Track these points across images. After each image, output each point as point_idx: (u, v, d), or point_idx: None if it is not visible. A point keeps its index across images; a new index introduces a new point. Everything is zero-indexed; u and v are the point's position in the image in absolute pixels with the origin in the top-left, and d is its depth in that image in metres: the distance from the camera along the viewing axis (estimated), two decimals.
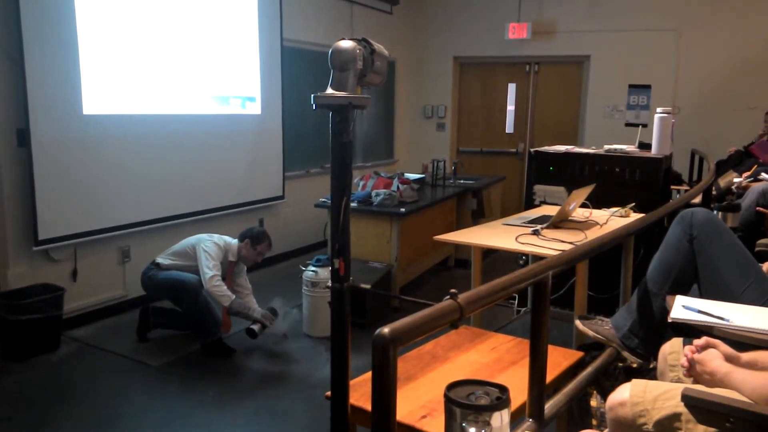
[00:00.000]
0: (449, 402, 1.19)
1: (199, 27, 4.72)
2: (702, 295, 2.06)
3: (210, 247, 3.70)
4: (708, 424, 1.31)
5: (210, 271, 3.60)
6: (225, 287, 3.63)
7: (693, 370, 1.53)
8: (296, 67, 5.76)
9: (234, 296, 3.65)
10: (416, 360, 2.16)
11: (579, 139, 7.06)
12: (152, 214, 4.42)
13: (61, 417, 2.95)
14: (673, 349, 1.78)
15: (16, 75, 3.58)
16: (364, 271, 4.27)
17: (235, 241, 3.86)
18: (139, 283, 3.90)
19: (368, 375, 1.92)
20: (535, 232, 2.87)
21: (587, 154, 4.08)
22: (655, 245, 2.37)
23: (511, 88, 7.39)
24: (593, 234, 2.84)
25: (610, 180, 3.89)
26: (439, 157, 6.08)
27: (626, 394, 1.51)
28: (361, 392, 1.89)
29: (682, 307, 1.82)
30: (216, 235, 3.85)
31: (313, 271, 3.94)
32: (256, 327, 3.66)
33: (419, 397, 1.87)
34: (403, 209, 4.46)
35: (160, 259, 3.83)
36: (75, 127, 3.87)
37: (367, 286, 4.07)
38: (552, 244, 2.67)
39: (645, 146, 4.20)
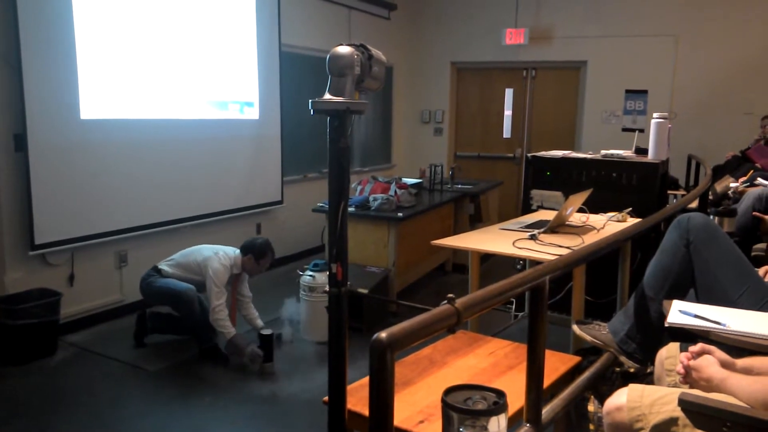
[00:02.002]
0: (446, 407, 1.19)
1: (197, 32, 4.73)
2: (699, 299, 2.06)
3: (218, 271, 3.63)
4: (705, 429, 1.31)
5: (216, 301, 3.57)
6: (228, 321, 3.59)
7: (689, 377, 1.53)
8: (294, 73, 5.77)
9: (234, 331, 3.60)
10: (414, 365, 2.16)
11: (576, 144, 7.09)
12: (150, 218, 4.42)
13: (58, 422, 2.94)
14: (669, 354, 1.78)
15: (14, 80, 3.58)
16: (362, 275, 4.26)
17: (238, 253, 3.80)
18: (137, 287, 3.89)
19: (366, 380, 1.92)
20: (533, 237, 2.88)
21: (584, 159, 4.09)
22: (652, 250, 2.38)
23: (509, 93, 7.40)
24: (590, 239, 2.84)
25: (607, 185, 3.90)
26: (437, 161, 6.09)
27: (623, 399, 1.51)
28: (358, 397, 1.89)
29: (679, 312, 1.82)
30: (221, 252, 3.76)
31: (310, 275, 3.94)
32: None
33: (417, 402, 1.87)
34: (400, 214, 4.46)
35: (163, 266, 3.79)
36: (72, 132, 3.86)
37: (365, 291, 4.07)
38: (549, 249, 2.67)
39: (642, 151, 4.21)
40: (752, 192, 3.87)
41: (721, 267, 2.05)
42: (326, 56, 1.74)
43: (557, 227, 3.07)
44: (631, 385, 1.55)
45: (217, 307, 3.57)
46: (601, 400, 1.96)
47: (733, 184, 4.46)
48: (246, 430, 2.96)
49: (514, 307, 4.21)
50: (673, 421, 1.42)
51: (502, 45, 7.10)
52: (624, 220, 3.33)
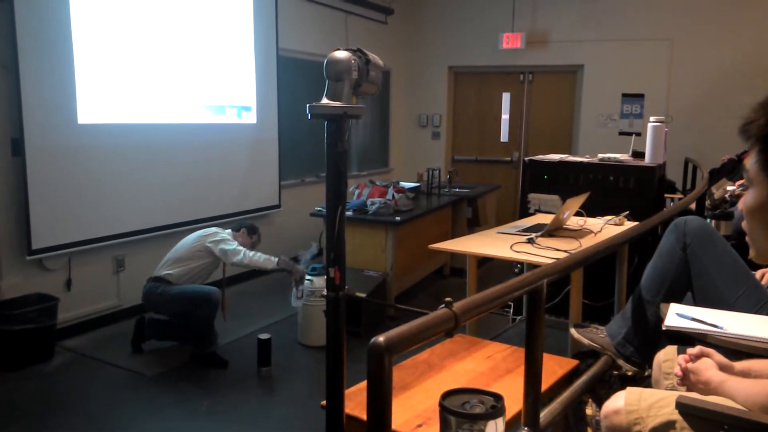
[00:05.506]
0: (444, 411, 1.19)
1: (195, 36, 4.73)
2: (696, 302, 2.06)
3: (223, 235, 3.86)
4: None
5: (241, 248, 3.77)
6: (261, 253, 3.80)
7: (687, 380, 1.53)
8: (292, 77, 5.78)
9: (276, 258, 3.78)
10: (411, 369, 2.15)
11: (573, 147, 7.09)
12: (147, 223, 4.41)
13: (55, 427, 2.93)
14: (667, 357, 1.78)
15: (11, 84, 3.58)
16: (360, 279, 4.26)
17: (229, 231, 4.01)
18: (134, 292, 3.87)
19: (363, 384, 1.91)
20: (530, 241, 2.88)
21: (581, 163, 4.10)
22: (649, 253, 2.38)
23: (506, 97, 7.43)
24: (588, 242, 2.85)
25: (604, 188, 3.91)
26: (434, 165, 6.09)
27: (621, 402, 1.51)
28: (356, 401, 1.88)
29: (676, 315, 1.82)
30: (211, 229, 3.97)
31: (308, 279, 3.94)
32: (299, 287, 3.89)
33: (414, 406, 1.87)
34: (398, 218, 4.47)
35: (166, 273, 3.73)
36: (70, 137, 3.86)
37: (363, 295, 4.07)
38: (547, 253, 2.67)
39: (639, 155, 4.22)
40: None
41: (718, 270, 2.05)
42: (324, 61, 1.75)
43: (555, 231, 3.08)
44: (629, 389, 1.55)
45: (247, 252, 3.75)
46: (599, 404, 1.97)
47: (730, 188, 4.47)
48: None
49: (511, 310, 4.21)
50: (670, 424, 1.42)
51: (499, 49, 7.12)
52: (621, 224, 3.33)
